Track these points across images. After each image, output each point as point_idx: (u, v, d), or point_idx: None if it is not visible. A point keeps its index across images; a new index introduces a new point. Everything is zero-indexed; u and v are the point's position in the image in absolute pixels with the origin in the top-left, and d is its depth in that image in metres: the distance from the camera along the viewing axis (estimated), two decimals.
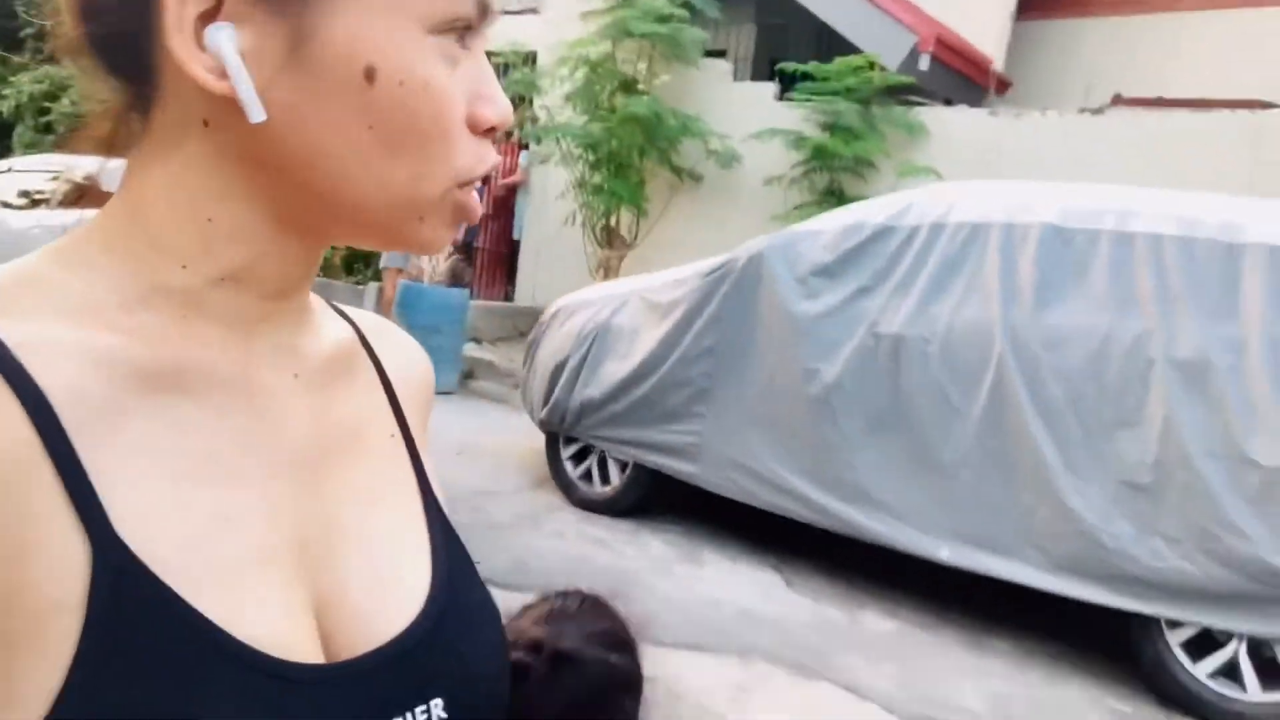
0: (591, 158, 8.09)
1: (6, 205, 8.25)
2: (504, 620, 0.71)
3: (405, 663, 0.51)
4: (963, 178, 5.59)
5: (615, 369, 4.44)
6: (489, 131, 0.50)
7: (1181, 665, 3.17)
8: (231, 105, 0.45)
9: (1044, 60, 8.76)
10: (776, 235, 4.20)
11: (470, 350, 7.76)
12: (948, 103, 7.89)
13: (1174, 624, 3.18)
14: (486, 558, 3.53)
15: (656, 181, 8.25)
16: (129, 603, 0.41)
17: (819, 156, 7.39)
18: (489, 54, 0.51)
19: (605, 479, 4.62)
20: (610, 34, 7.86)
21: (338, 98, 0.46)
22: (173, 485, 0.45)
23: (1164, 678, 3.22)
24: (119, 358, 0.45)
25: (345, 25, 0.45)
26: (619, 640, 0.81)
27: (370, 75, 0.46)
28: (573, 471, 4.72)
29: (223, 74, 0.45)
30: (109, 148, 0.50)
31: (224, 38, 0.44)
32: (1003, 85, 8.40)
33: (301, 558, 0.50)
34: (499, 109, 0.50)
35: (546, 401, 4.67)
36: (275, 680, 0.45)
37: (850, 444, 3.79)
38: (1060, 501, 3.30)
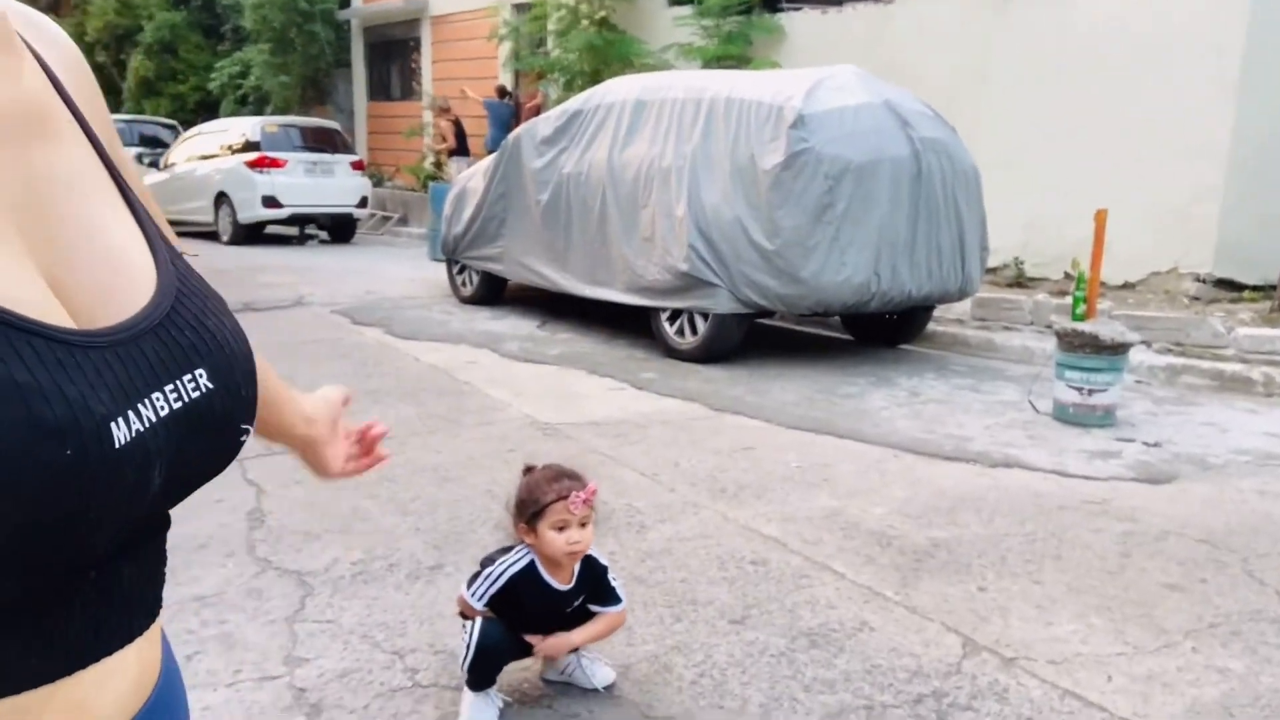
0: (564, 79, 11.04)
1: (204, 158, 12.39)
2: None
3: (161, 334, 0.50)
4: (806, 65, 7.95)
5: (466, 213, 7.52)
6: None
7: (665, 329, 5.93)
8: None
9: None
10: (529, 122, 7.08)
11: None
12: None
13: (662, 310, 5.92)
14: (411, 327, 6.77)
15: None
16: None
17: (705, 60, 9.90)
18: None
19: (470, 283, 7.76)
20: None
21: None
22: None
23: (660, 336, 5.99)
24: None
25: None
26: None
27: None
28: (457, 280, 7.90)
29: None
30: None
31: None
32: None
33: (22, 235, 0.47)
34: None
35: (445, 239, 7.85)
36: (57, 344, 0.44)
37: (553, 238, 6.69)
38: (622, 253, 6.08)
